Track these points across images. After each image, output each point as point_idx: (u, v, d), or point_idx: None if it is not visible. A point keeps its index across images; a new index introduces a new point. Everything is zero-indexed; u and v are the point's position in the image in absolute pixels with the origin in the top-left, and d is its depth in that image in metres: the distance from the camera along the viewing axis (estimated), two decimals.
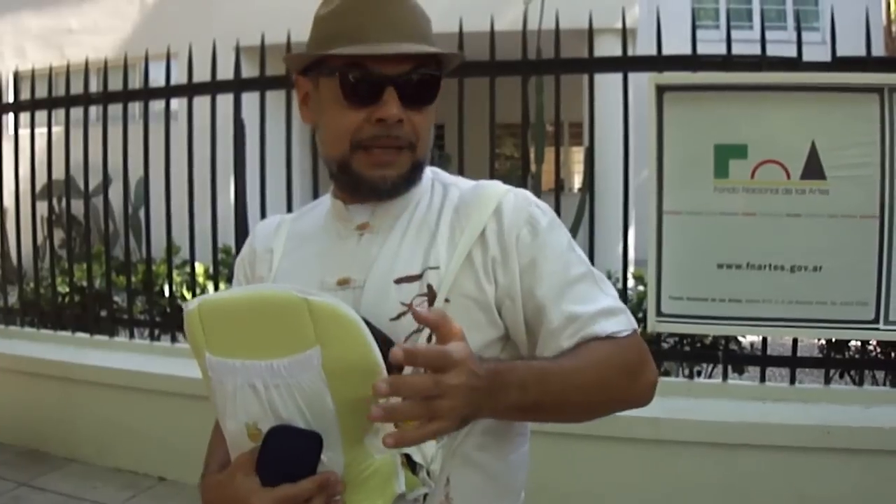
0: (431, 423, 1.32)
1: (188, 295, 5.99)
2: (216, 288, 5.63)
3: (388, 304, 1.62)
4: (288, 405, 1.45)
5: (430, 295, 1.62)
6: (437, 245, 1.67)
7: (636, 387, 1.67)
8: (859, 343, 4.65)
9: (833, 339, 4.63)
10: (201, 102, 5.45)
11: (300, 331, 1.42)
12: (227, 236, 5.86)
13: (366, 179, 1.67)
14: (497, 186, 1.75)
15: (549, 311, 1.63)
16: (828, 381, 4.54)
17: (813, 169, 3.95)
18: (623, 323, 1.65)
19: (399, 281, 1.64)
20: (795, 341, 4.46)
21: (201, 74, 5.44)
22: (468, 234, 1.66)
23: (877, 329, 4.02)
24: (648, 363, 1.68)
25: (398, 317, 1.60)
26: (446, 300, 1.61)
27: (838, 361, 4.91)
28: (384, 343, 1.43)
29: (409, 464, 1.52)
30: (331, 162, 1.71)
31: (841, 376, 5.14)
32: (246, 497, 1.45)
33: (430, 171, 1.81)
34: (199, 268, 5.93)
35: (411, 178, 1.71)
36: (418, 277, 1.63)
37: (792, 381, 4.46)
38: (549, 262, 1.65)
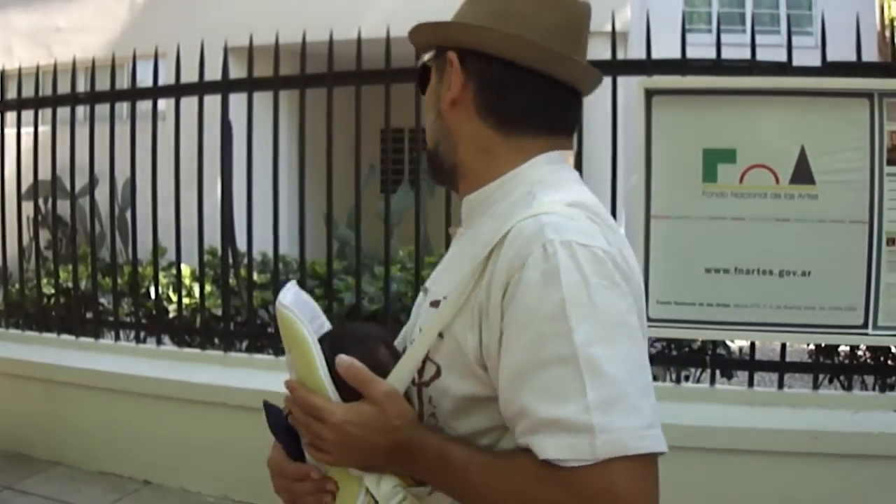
0: (319, 451, 1.47)
1: (174, 297, 5.96)
2: (202, 290, 5.60)
3: (417, 324, 1.61)
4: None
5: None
6: (457, 271, 1.47)
7: None
8: (848, 348, 4.64)
9: (822, 344, 4.62)
10: (189, 103, 5.42)
11: (283, 334, 1.53)
12: (213, 238, 5.84)
13: None
14: (535, 206, 1.42)
15: (504, 395, 1.34)
16: (816, 386, 4.53)
17: (802, 174, 3.94)
18: (573, 450, 1.24)
19: (432, 304, 1.53)
20: (784, 346, 4.45)
21: (189, 75, 5.41)
22: (473, 262, 1.41)
23: (865, 334, 4.01)
24: None
25: (413, 343, 1.51)
26: (440, 335, 1.44)
27: (827, 366, 4.90)
28: (391, 362, 1.50)
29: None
30: None
31: (830, 381, 5.14)
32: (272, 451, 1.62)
33: (536, 177, 1.52)
34: (185, 269, 5.90)
35: (432, 169, 1.67)
36: (437, 304, 1.50)
37: (780, 385, 4.46)
38: (519, 332, 1.31)
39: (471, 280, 1.40)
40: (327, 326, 1.61)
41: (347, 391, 1.44)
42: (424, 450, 1.39)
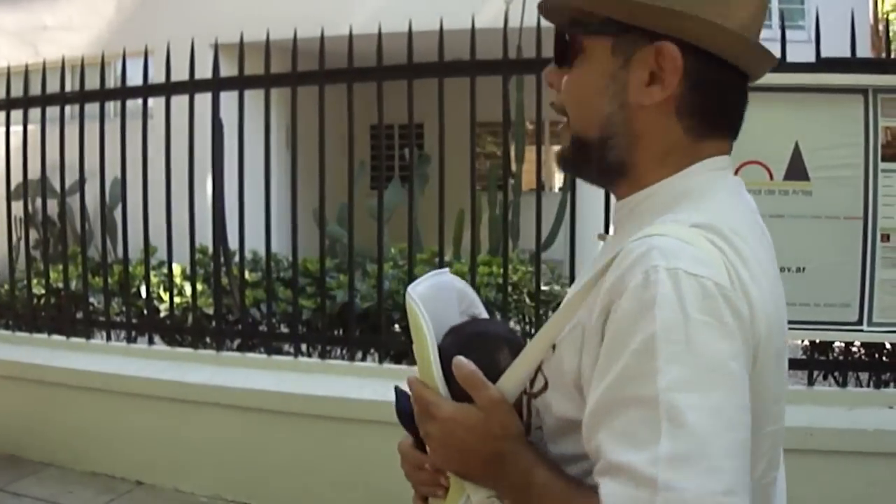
0: (427, 441, 1.45)
1: (165, 296, 5.94)
2: (193, 289, 5.57)
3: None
4: None
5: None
6: (578, 282, 1.41)
7: None
8: (843, 344, 4.64)
9: (817, 341, 4.61)
10: (179, 101, 5.39)
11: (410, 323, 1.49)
12: (204, 236, 5.81)
13: None
14: (654, 226, 1.26)
15: (584, 427, 1.21)
16: (811, 382, 4.51)
17: (796, 170, 3.93)
18: (633, 502, 1.10)
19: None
20: None
21: (179, 73, 5.38)
22: (585, 280, 1.31)
23: (860, 331, 4.02)
24: None
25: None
26: (553, 346, 1.34)
27: (821, 363, 4.89)
28: (509, 363, 1.40)
29: None
30: None
31: (825, 378, 5.13)
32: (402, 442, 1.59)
33: (690, 186, 1.37)
34: (176, 268, 5.88)
35: (576, 159, 1.44)
36: None
37: None
38: (611, 362, 1.17)
39: (579, 298, 1.29)
40: (484, 314, 1.62)
41: (460, 391, 1.37)
42: (515, 465, 1.30)
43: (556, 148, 1.49)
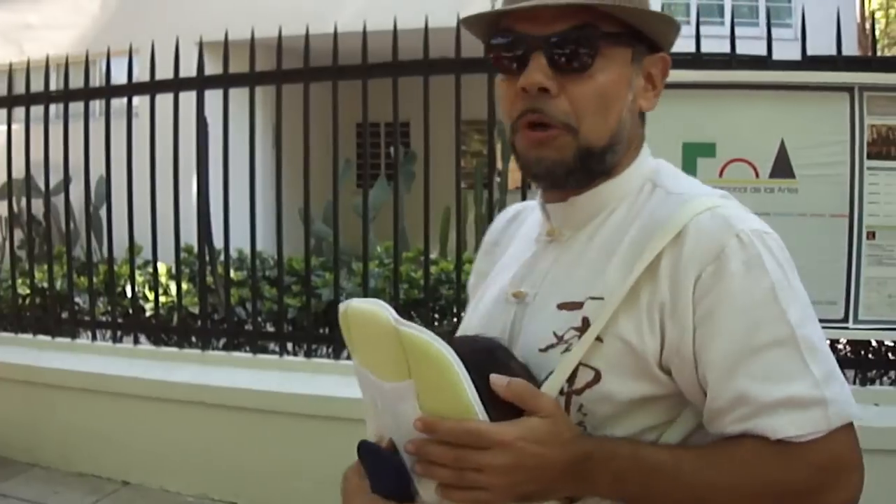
0: (474, 492, 1.27)
1: (150, 295, 5.91)
2: (178, 288, 5.56)
3: (542, 331, 1.43)
4: (391, 427, 1.38)
5: (583, 330, 1.38)
6: (609, 269, 1.40)
7: None
8: (829, 342, 4.64)
9: None
10: (164, 100, 5.37)
11: (397, 358, 1.31)
12: (189, 235, 5.78)
13: (524, 163, 1.46)
14: (699, 201, 1.38)
15: (714, 385, 1.31)
16: None
17: (782, 168, 3.93)
18: (812, 423, 1.28)
19: (562, 307, 1.42)
20: None
21: (164, 71, 5.36)
22: (643, 262, 1.35)
23: (846, 328, 4.01)
24: (833, 484, 1.31)
25: (546, 349, 1.41)
26: (598, 339, 1.36)
27: None
28: (523, 372, 1.37)
29: None
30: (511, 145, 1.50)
31: None
32: (353, 495, 1.45)
33: (650, 168, 1.51)
34: (161, 267, 5.85)
35: (582, 167, 1.43)
36: (579, 306, 1.40)
37: None
38: (730, 320, 1.30)
39: (633, 281, 1.34)
40: None
41: (498, 414, 1.29)
42: (613, 457, 1.31)
43: (542, 155, 1.43)
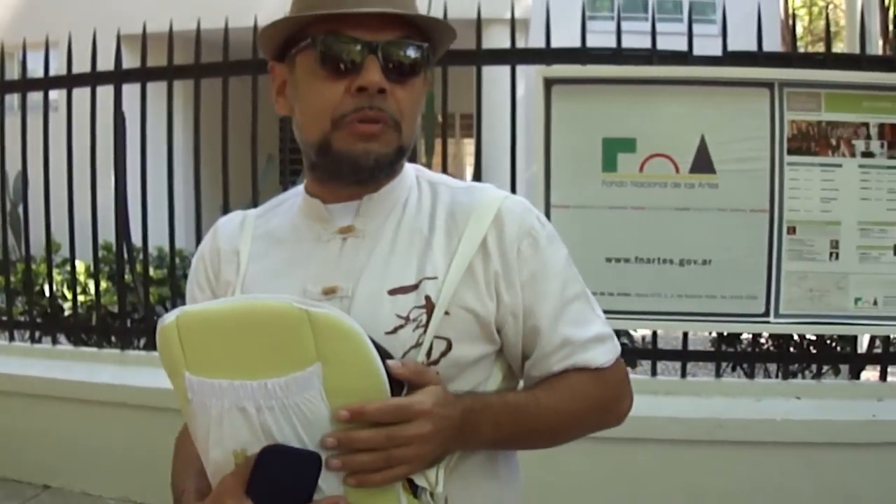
0: (395, 469, 1.37)
1: (69, 294, 5.80)
2: (97, 287, 5.45)
3: (382, 316, 1.52)
4: (283, 428, 1.35)
5: (428, 307, 1.53)
6: (433, 252, 1.58)
7: (609, 419, 1.71)
8: (750, 336, 4.69)
9: (724, 333, 4.65)
10: (81, 94, 5.26)
11: (299, 346, 1.33)
12: (108, 232, 5.67)
13: (347, 156, 1.54)
14: (493, 191, 1.67)
15: (545, 333, 1.60)
16: (719, 374, 4.56)
17: (702, 163, 3.96)
18: (611, 351, 1.66)
19: (393, 292, 1.54)
20: (686, 335, 4.47)
21: (81, 65, 5.24)
22: (467, 242, 1.58)
23: (767, 322, 4.06)
24: (625, 394, 1.71)
25: (394, 330, 1.51)
26: (446, 313, 1.53)
27: (729, 355, 4.95)
28: (384, 357, 1.38)
29: (411, 487, 1.44)
30: (309, 147, 1.58)
31: (732, 369, 5.18)
32: (223, 496, 1.38)
33: (413, 168, 1.72)
34: (79, 266, 5.75)
35: (396, 162, 1.60)
36: (414, 288, 1.54)
37: (683, 374, 4.49)
38: (549, 280, 1.62)
39: (467, 259, 1.55)
40: None
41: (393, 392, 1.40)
42: (488, 406, 1.52)
43: (372, 149, 1.55)
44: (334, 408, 1.33)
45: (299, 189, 1.74)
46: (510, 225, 1.59)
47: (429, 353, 1.52)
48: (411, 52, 1.55)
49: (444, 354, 1.53)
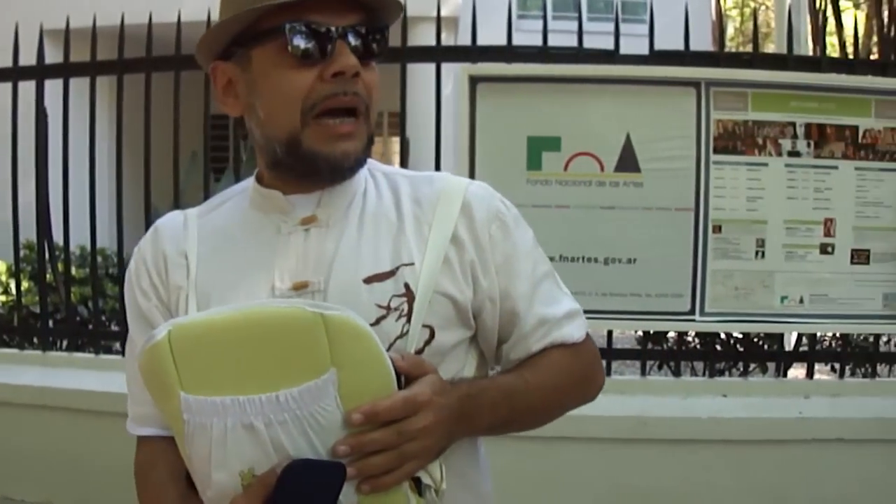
0: (405, 466, 1.37)
1: None
2: (18, 287, 5.34)
3: (360, 307, 1.45)
4: (297, 441, 1.28)
5: (409, 295, 1.52)
6: (406, 238, 1.58)
7: (590, 391, 1.76)
8: (676, 334, 4.70)
9: (650, 331, 4.66)
10: (2, 89, 5.14)
11: (312, 352, 1.27)
12: (29, 231, 5.57)
13: (323, 157, 1.50)
14: (455, 179, 1.69)
15: (522, 314, 1.64)
16: (645, 372, 4.57)
17: (627, 162, 3.96)
18: (583, 326, 1.72)
19: (369, 280, 1.52)
20: (611, 333, 4.47)
21: (3, 59, 5.13)
22: (439, 230, 1.58)
23: (692, 320, 4.08)
24: (600, 367, 1.79)
25: (377, 321, 1.48)
26: (429, 301, 1.55)
27: (655, 353, 4.96)
28: None
29: (417, 486, 1.43)
30: (275, 143, 1.53)
31: (658, 368, 5.20)
32: None
33: None
34: (0, 265, 5.63)
35: (366, 155, 1.60)
36: (391, 275, 1.53)
37: (608, 372, 4.47)
38: (521, 261, 1.65)
39: (442, 247, 1.56)
40: None
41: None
42: (483, 391, 1.55)
43: (349, 150, 1.54)
44: (346, 412, 1.29)
45: (242, 186, 1.71)
46: (479, 211, 1.61)
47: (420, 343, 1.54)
48: (376, 35, 1.55)
49: (427, 343, 1.54)
